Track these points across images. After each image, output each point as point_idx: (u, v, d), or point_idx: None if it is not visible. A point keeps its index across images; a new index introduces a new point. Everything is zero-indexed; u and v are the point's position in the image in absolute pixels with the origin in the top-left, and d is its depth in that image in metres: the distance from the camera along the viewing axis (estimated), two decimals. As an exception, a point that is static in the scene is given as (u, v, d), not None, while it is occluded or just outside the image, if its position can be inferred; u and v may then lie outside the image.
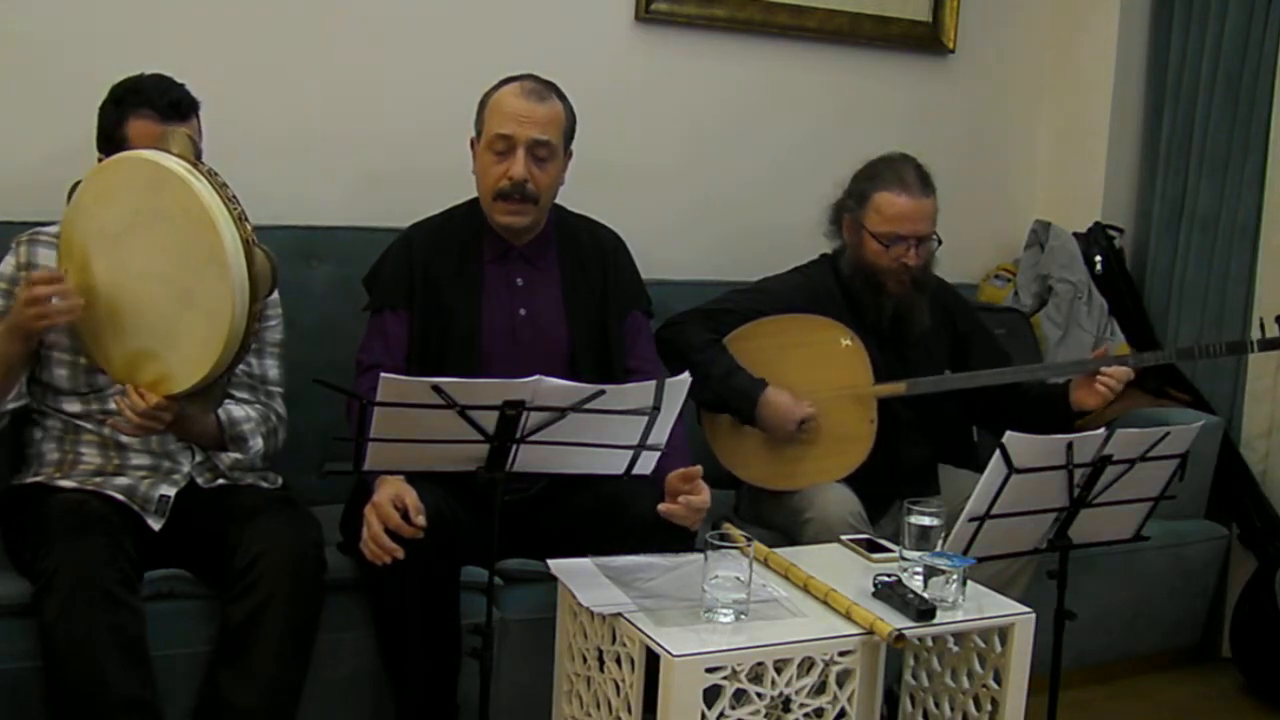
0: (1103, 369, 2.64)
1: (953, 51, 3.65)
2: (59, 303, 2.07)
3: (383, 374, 1.88)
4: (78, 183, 2.16)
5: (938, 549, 2.09)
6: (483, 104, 2.49)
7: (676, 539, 2.26)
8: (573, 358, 2.50)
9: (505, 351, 2.46)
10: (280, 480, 2.47)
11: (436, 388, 1.88)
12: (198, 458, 2.36)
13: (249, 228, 1.99)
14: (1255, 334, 2.73)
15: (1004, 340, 3.34)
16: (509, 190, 2.42)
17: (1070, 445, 2.12)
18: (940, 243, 2.76)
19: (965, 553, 2.12)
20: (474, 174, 2.50)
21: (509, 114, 2.42)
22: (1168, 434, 2.20)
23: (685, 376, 2.04)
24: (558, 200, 2.57)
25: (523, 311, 2.50)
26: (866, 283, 2.75)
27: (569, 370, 2.44)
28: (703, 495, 2.26)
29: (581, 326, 2.52)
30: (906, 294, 2.74)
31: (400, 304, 2.48)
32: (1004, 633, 2.07)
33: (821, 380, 2.70)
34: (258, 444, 2.36)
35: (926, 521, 2.11)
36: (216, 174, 2.02)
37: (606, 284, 2.57)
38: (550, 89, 2.48)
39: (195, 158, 2.07)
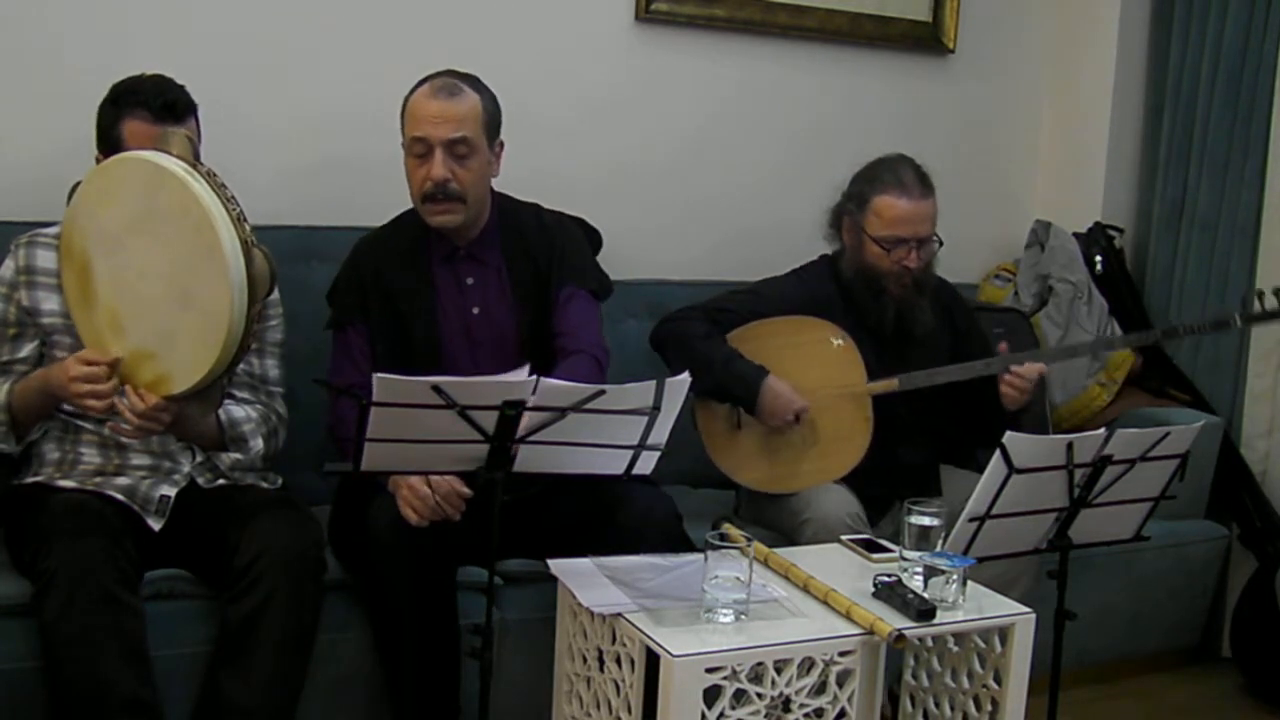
0: (1012, 368, 2.63)
1: (953, 51, 3.65)
2: (96, 402, 2.08)
3: (377, 374, 1.86)
4: (78, 183, 2.16)
5: (938, 549, 2.09)
6: (402, 108, 2.44)
7: (675, 540, 2.26)
8: (521, 346, 2.47)
9: (465, 352, 2.45)
10: (280, 480, 2.47)
11: (436, 388, 1.87)
12: (198, 458, 2.36)
13: (248, 229, 1.99)
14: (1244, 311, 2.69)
15: (1004, 340, 3.34)
16: (433, 192, 2.38)
17: (1070, 445, 2.12)
18: (941, 244, 2.76)
19: (965, 553, 2.11)
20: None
21: (422, 116, 2.37)
22: (1168, 434, 2.20)
23: (685, 376, 2.02)
24: (512, 193, 2.54)
25: (475, 310, 2.48)
26: (867, 286, 2.74)
27: (522, 359, 2.40)
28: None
29: (526, 313, 2.49)
30: (907, 296, 2.73)
31: (358, 318, 2.47)
32: (1004, 633, 2.07)
33: (815, 380, 2.70)
34: (258, 444, 2.37)
35: (926, 522, 2.11)
36: (216, 175, 2.02)
37: (551, 265, 2.52)
38: (465, 81, 2.41)
39: (194, 158, 2.07)
